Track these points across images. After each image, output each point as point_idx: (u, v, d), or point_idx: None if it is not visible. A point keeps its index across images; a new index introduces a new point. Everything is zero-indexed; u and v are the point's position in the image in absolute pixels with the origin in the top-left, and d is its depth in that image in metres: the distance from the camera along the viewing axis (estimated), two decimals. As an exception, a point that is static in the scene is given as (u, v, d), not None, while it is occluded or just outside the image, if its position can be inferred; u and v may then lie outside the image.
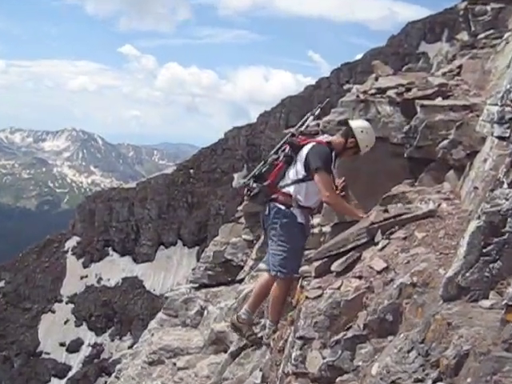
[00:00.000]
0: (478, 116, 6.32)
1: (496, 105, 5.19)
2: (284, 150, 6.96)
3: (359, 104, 7.84)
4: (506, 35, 7.30)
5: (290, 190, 6.82)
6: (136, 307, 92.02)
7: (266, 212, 6.96)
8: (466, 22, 8.81)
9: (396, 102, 7.86)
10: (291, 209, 6.79)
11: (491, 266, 4.42)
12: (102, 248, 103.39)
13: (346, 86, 9.39)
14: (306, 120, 7.28)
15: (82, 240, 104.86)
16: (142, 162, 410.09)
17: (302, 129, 7.19)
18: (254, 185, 6.94)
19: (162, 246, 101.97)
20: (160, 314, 10.85)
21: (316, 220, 8.10)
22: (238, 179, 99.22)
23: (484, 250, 4.44)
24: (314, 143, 6.79)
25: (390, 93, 8.00)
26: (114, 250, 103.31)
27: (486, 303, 4.33)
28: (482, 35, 8.24)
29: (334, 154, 6.78)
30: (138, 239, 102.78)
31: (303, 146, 6.82)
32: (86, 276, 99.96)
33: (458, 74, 8.16)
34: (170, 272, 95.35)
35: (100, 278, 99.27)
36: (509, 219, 4.42)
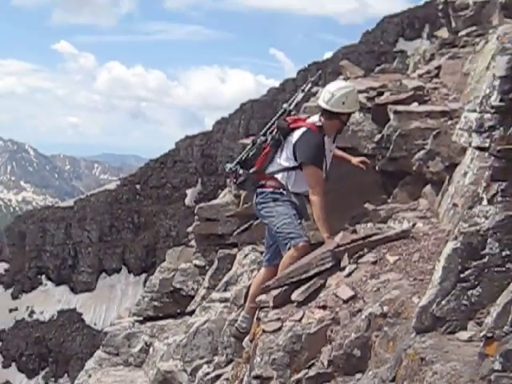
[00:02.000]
0: (456, 123, 6.41)
1: (474, 111, 5.27)
2: (271, 131, 6.98)
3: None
4: (489, 33, 7.41)
5: (279, 176, 6.90)
6: (74, 344, 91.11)
7: (255, 200, 7.02)
8: (447, 18, 8.94)
9: (366, 108, 7.95)
10: (281, 190, 6.86)
11: (469, 292, 4.48)
12: (34, 276, 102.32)
13: (315, 89, 9.46)
14: (295, 96, 7.28)
15: (11, 267, 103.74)
16: (81, 176, 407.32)
17: (291, 107, 7.18)
18: (241, 171, 6.96)
19: (103, 274, 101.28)
20: (99, 352, 10.75)
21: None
22: (191, 196, 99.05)
23: (462, 275, 4.51)
24: (305, 128, 6.82)
25: (360, 97, 8.08)
26: (48, 278, 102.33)
27: (463, 335, 4.39)
28: (463, 32, 8.37)
29: (324, 137, 6.81)
30: (77, 266, 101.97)
31: (293, 129, 6.88)
32: (16, 309, 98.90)
33: (437, 75, 8.27)
34: (114, 303, 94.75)
35: (32, 311, 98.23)
36: (489, 240, 4.49)
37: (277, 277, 6.32)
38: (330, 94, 6.76)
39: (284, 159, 6.86)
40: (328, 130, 6.84)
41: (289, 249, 6.70)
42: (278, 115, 7.10)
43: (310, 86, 7.35)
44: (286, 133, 6.86)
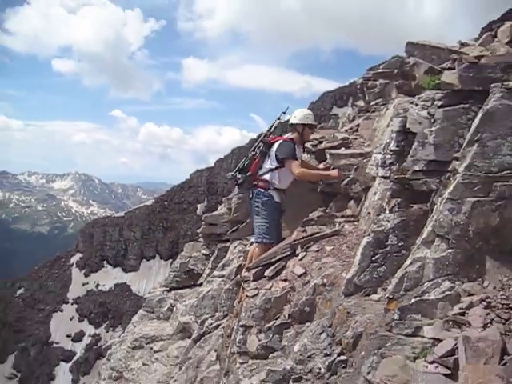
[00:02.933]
0: (369, 161, 6.45)
1: (380, 153, 5.32)
2: (259, 147, 6.94)
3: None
4: (389, 103, 7.48)
5: (267, 176, 6.80)
6: (125, 306, 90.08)
7: (250, 196, 6.92)
8: (363, 93, 8.99)
9: (312, 152, 7.95)
10: (269, 191, 6.76)
11: (378, 269, 4.53)
12: (98, 261, 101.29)
13: (282, 118, 9.52)
14: (273, 123, 7.26)
15: (84, 256, 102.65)
16: (129, 196, 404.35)
17: (271, 131, 7.16)
18: (239, 176, 6.91)
19: (144, 259, 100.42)
20: (140, 311, 10.64)
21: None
22: (200, 209, 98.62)
23: (373, 258, 4.56)
24: (281, 140, 6.83)
25: (307, 145, 8.09)
26: (108, 262, 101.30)
27: (375, 297, 4.43)
28: (373, 102, 8.41)
29: (295, 145, 6.81)
30: (127, 254, 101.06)
31: (273, 143, 6.86)
32: (87, 283, 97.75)
33: (357, 130, 8.30)
34: (151, 279, 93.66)
35: (98, 284, 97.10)
36: (390, 235, 4.56)
37: (255, 261, 6.31)
38: (295, 114, 6.97)
39: (269, 164, 6.81)
40: (297, 140, 6.88)
41: (259, 243, 6.70)
42: (261, 137, 7.07)
43: (280, 115, 7.36)
44: (269, 146, 6.85)
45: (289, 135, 7.01)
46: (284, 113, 7.30)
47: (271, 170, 6.80)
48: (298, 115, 6.96)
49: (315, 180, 6.93)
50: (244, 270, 6.83)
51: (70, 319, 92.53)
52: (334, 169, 6.93)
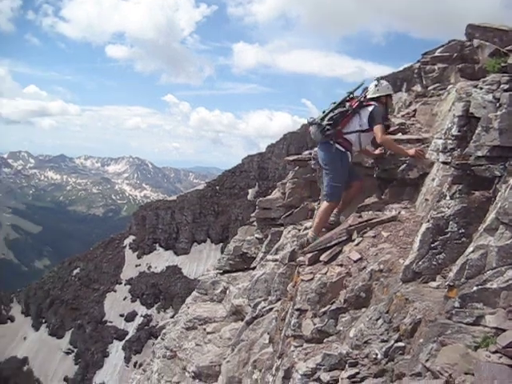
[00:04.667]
0: (427, 147, 6.32)
1: (440, 138, 5.21)
2: (350, 105, 6.92)
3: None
4: (448, 87, 7.30)
5: (352, 137, 6.84)
6: (176, 288, 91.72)
7: (333, 150, 6.80)
8: (420, 78, 8.80)
9: (368, 137, 7.86)
10: (348, 152, 6.84)
11: (437, 256, 4.45)
12: (151, 244, 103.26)
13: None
14: (366, 90, 7.25)
15: (137, 238, 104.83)
16: (181, 180, 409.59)
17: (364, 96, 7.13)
18: (328, 127, 6.77)
19: (195, 243, 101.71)
20: (194, 292, 10.81)
21: (309, 223, 8.10)
22: (251, 194, 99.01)
23: (432, 245, 4.48)
24: (376, 105, 6.90)
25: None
26: (160, 245, 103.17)
27: (433, 284, 4.36)
28: (431, 87, 8.21)
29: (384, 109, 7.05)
30: (178, 237, 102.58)
31: (368, 105, 6.92)
32: (140, 265, 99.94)
33: (414, 115, 8.14)
34: (202, 262, 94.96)
35: (150, 266, 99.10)
36: (450, 222, 4.46)
37: (310, 245, 6.31)
38: (378, 88, 7.13)
39: (357, 124, 6.85)
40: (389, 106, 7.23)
41: (325, 201, 6.89)
42: (344, 97, 7.05)
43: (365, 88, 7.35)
44: (362, 107, 6.89)
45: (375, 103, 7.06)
46: (376, 85, 7.22)
47: (359, 131, 6.84)
48: (382, 88, 7.12)
49: (395, 151, 6.79)
50: (310, 231, 6.92)
51: (123, 299, 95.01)
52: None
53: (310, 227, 7.68)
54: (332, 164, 6.88)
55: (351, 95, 7.09)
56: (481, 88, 4.61)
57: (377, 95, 7.08)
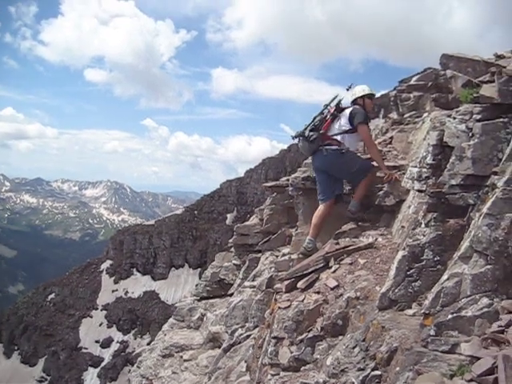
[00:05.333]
0: (403, 174, 6.39)
1: (416, 167, 5.28)
2: (328, 111, 7.18)
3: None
4: (423, 116, 7.41)
5: (338, 137, 7.01)
6: (153, 313, 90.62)
7: (324, 153, 6.99)
8: (396, 105, 8.93)
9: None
10: (340, 148, 6.97)
11: (413, 284, 4.47)
12: (128, 269, 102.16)
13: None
14: (335, 97, 7.36)
15: (114, 263, 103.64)
16: (159, 205, 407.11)
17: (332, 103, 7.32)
18: (311, 133, 6.99)
19: (173, 268, 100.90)
20: (171, 319, 10.68)
21: (286, 249, 8.10)
22: (229, 219, 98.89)
23: (408, 273, 4.50)
24: (355, 106, 7.14)
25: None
26: (137, 270, 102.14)
27: (409, 312, 4.37)
28: (407, 115, 8.33)
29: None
30: (156, 262, 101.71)
31: (344, 109, 7.17)
32: (116, 290, 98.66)
33: (390, 143, 8.23)
34: (179, 287, 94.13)
35: (127, 292, 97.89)
36: (426, 250, 4.50)
37: (288, 272, 6.30)
38: (353, 92, 7.31)
39: (340, 126, 7.06)
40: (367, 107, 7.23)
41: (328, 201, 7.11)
42: (321, 110, 7.26)
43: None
44: (340, 110, 7.15)
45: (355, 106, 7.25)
46: (348, 89, 7.41)
47: (345, 131, 7.02)
48: (356, 90, 7.29)
49: (375, 157, 6.96)
50: (320, 220, 7.00)
51: (99, 325, 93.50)
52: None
53: (288, 253, 7.69)
54: (332, 163, 7.03)
55: (328, 107, 7.28)
56: (454, 118, 4.70)
57: (353, 98, 7.29)
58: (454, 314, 3.77)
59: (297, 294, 5.61)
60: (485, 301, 3.76)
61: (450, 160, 4.58)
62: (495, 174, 4.17)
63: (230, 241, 10.43)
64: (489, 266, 3.83)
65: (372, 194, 6.91)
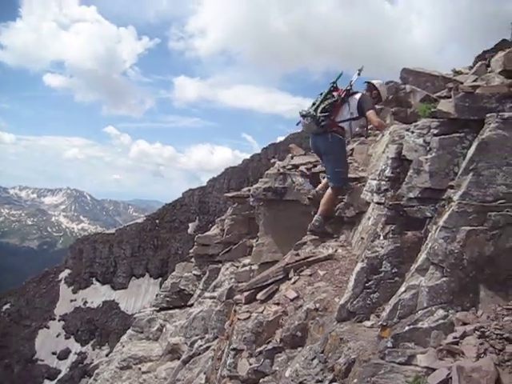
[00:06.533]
0: (363, 186, 6.46)
1: (375, 179, 5.34)
2: (339, 94, 7.06)
3: (279, 176, 7.92)
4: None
5: (345, 125, 7.00)
6: (113, 324, 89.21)
7: (330, 140, 6.96)
8: (356, 118, 9.04)
9: (306, 175, 7.97)
10: (344, 138, 7.09)
11: (371, 296, 4.50)
12: (87, 278, 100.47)
13: (272, 161, 9.52)
14: (351, 80, 7.29)
15: (73, 272, 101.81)
16: (120, 213, 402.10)
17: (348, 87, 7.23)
18: (322, 117, 6.90)
19: (133, 277, 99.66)
20: (129, 330, 10.53)
21: (247, 260, 8.08)
22: (191, 228, 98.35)
23: (366, 285, 4.53)
24: (361, 93, 7.16)
25: (302, 168, 8.12)
26: (97, 279, 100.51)
27: (368, 323, 4.39)
28: (369, 127, 8.46)
29: None
30: (116, 272, 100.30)
31: (354, 93, 7.11)
32: (75, 300, 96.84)
33: (351, 155, 8.34)
34: (140, 297, 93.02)
35: (85, 302, 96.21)
36: (384, 262, 4.54)
37: (247, 283, 6.28)
38: (380, 82, 7.43)
39: (347, 112, 7.01)
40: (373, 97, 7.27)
41: (333, 185, 6.97)
42: (329, 88, 7.17)
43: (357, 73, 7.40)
44: (350, 95, 7.08)
45: (362, 90, 7.31)
46: (359, 74, 7.35)
47: (350, 119, 7.02)
48: (382, 86, 7.44)
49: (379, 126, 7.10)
50: (317, 215, 6.97)
51: (57, 336, 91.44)
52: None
53: (249, 264, 7.68)
54: (332, 152, 7.03)
55: (334, 85, 7.22)
56: (412, 132, 4.78)
57: (374, 83, 7.36)
58: (411, 326, 3.81)
59: (256, 306, 5.59)
60: (440, 312, 3.81)
61: (408, 173, 4.65)
62: (451, 187, 4.25)
63: (191, 251, 10.37)
64: (444, 279, 3.89)
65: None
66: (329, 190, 7.03)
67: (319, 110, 6.93)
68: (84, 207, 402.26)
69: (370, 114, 6.88)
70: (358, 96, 7.05)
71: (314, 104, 7.03)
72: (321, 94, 7.13)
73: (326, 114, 6.90)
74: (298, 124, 7.22)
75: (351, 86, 7.21)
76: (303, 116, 7.08)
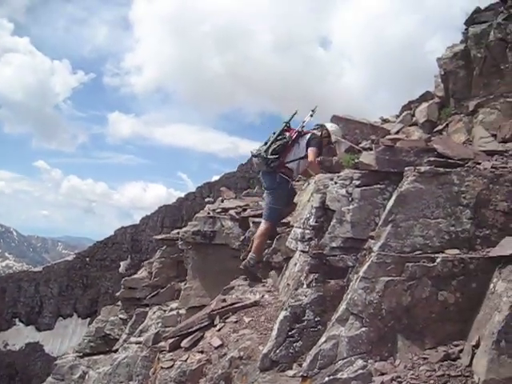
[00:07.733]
0: (288, 234, 6.54)
1: (300, 228, 5.43)
2: (290, 135, 7.15)
3: (209, 219, 7.93)
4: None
5: (293, 166, 7.11)
6: (36, 367, 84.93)
7: (278, 180, 7.04)
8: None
9: (235, 219, 8.01)
10: (291, 180, 7.13)
11: (294, 345, 4.53)
12: (10, 319, 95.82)
13: (207, 199, 9.55)
14: (303, 121, 7.41)
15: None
16: (48, 250, 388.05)
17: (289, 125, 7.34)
18: (272, 158, 6.97)
19: (60, 318, 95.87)
20: (49, 378, 10.07)
21: (174, 304, 7.98)
22: (123, 266, 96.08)
23: (289, 333, 4.56)
24: (312, 133, 7.27)
25: (232, 212, 8.16)
26: (20, 320, 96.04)
27: (290, 373, 4.41)
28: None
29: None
30: (42, 312, 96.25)
31: (306, 133, 7.22)
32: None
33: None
34: (66, 338, 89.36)
35: (6, 344, 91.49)
36: (307, 310, 4.60)
37: (172, 329, 6.18)
38: (331, 124, 7.59)
39: (296, 153, 7.11)
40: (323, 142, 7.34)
41: (263, 221, 7.09)
42: (281, 128, 7.26)
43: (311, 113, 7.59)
44: (302, 135, 7.20)
45: (314, 131, 7.41)
46: (311, 115, 7.54)
47: (298, 158, 7.11)
48: (334, 127, 7.59)
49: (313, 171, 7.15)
50: (251, 253, 6.99)
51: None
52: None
53: (176, 308, 7.57)
54: (275, 190, 7.09)
55: (288, 125, 7.34)
56: (336, 182, 4.93)
57: (321, 125, 7.56)
58: (331, 377, 3.84)
59: (180, 354, 5.49)
60: (360, 363, 3.87)
61: (331, 223, 4.78)
62: (372, 238, 4.39)
63: (118, 294, 10.14)
64: (364, 329, 3.96)
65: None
66: (262, 225, 7.11)
67: (270, 151, 7.04)
68: (10, 243, 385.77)
69: (310, 150, 7.03)
70: (308, 136, 7.23)
71: (266, 143, 7.16)
72: (274, 133, 7.26)
73: (276, 155, 7.02)
74: (253, 156, 7.31)
75: (303, 127, 7.41)
76: (254, 156, 7.22)
